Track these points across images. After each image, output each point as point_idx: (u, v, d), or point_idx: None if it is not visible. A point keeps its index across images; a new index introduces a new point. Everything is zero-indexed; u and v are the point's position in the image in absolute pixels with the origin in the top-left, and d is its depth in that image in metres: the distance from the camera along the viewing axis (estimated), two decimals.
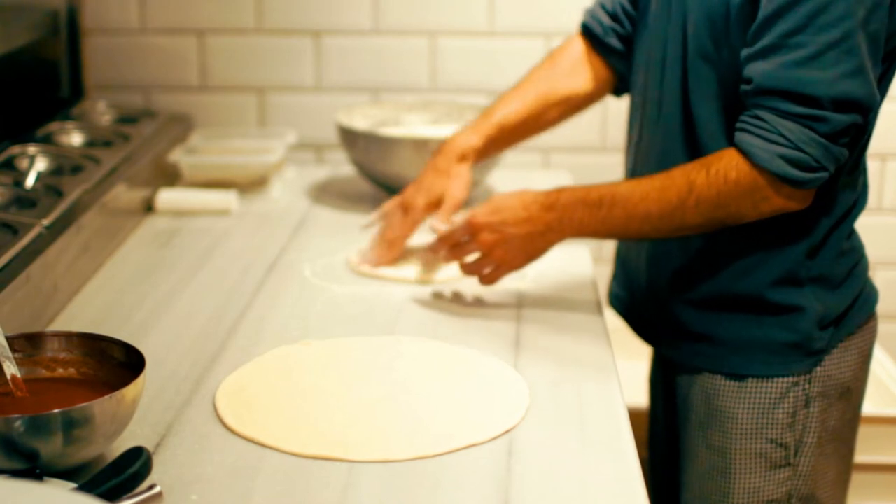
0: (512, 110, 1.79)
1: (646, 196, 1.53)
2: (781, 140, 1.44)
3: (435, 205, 1.77)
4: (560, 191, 1.60)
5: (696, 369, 1.64)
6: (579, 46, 1.80)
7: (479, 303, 1.71)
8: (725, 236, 1.57)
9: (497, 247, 1.62)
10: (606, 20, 1.77)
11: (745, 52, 1.48)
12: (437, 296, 1.73)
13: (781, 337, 1.58)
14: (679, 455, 1.72)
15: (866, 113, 1.46)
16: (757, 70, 1.46)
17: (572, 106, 1.81)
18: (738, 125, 1.49)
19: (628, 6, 1.75)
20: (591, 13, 1.80)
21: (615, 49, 1.76)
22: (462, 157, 1.78)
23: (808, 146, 1.44)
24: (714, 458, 1.63)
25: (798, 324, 1.57)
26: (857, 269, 1.63)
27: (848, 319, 1.61)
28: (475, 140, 1.79)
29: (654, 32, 1.64)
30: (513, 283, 1.77)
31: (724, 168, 1.48)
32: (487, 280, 1.67)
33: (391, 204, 1.82)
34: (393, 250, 1.79)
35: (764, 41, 1.45)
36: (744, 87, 1.48)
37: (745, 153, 1.47)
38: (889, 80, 1.54)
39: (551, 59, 1.82)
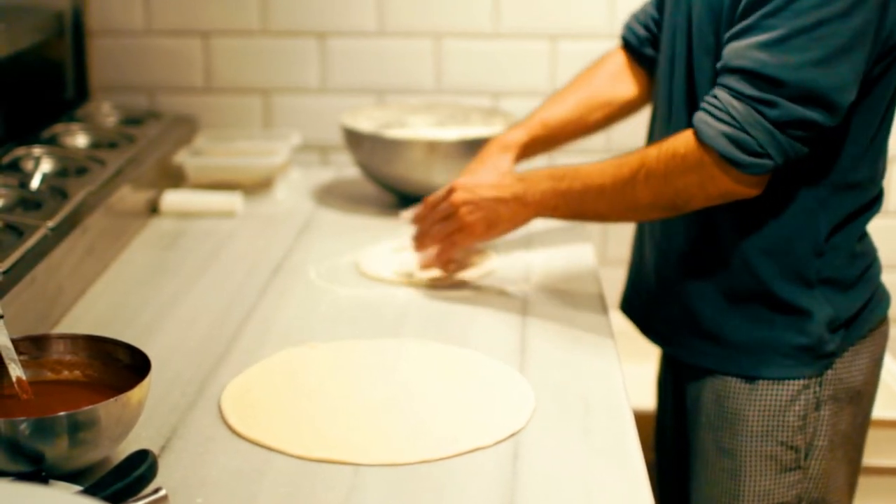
0: (555, 111, 1.85)
1: (603, 171, 1.57)
2: (728, 119, 1.45)
3: None
4: (537, 168, 1.67)
5: (707, 371, 1.64)
6: (620, 56, 1.85)
7: (484, 302, 1.71)
8: (730, 230, 1.58)
9: (465, 205, 1.68)
10: (641, 30, 1.81)
11: (727, 34, 1.49)
12: (442, 298, 1.73)
13: (793, 339, 1.58)
14: (688, 457, 1.72)
15: (831, 108, 1.43)
16: (728, 49, 1.47)
17: (615, 110, 1.85)
18: (701, 103, 1.50)
19: (656, 13, 1.79)
20: (627, 25, 1.85)
21: (650, 57, 1.80)
22: (504, 149, 1.83)
23: (753, 129, 1.44)
24: (724, 460, 1.63)
25: (809, 326, 1.57)
26: (870, 273, 1.63)
27: (859, 322, 1.61)
28: (520, 135, 1.84)
29: (666, 30, 1.65)
30: (517, 285, 1.77)
31: (675, 144, 1.50)
32: (449, 247, 1.73)
33: (437, 193, 1.79)
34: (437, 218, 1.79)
35: (743, 22, 1.46)
36: (718, 65, 1.49)
37: (695, 129, 1.48)
38: (891, 81, 1.53)
39: (593, 67, 1.87)
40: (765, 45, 1.43)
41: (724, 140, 1.45)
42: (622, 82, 1.84)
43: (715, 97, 1.47)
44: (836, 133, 1.51)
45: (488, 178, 1.69)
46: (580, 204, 1.60)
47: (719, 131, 1.45)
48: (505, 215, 1.67)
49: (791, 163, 1.48)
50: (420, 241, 1.76)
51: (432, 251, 1.77)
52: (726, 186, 1.48)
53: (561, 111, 1.84)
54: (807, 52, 1.41)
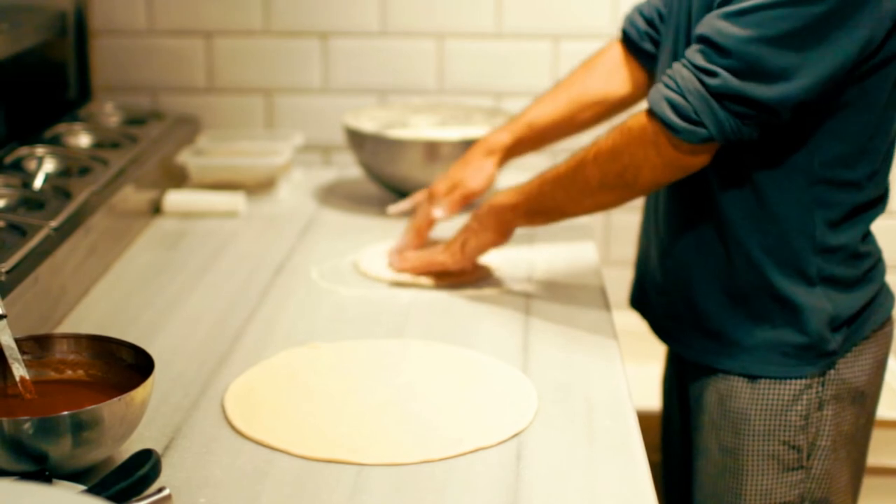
0: (543, 112, 1.85)
1: (562, 161, 1.60)
2: (673, 85, 1.47)
3: (452, 191, 1.84)
4: None
5: (710, 370, 1.64)
6: (617, 51, 1.84)
7: (486, 302, 1.71)
8: (732, 228, 1.58)
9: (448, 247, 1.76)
10: (642, 24, 1.80)
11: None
12: (445, 297, 1.73)
13: (794, 339, 1.58)
14: (692, 455, 1.72)
15: (773, 88, 1.42)
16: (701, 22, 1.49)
17: (608, 107, 1.85)
18: None
19: (664, 9, 1.78)
20: (629, 19, 1.83)
21: (650, 53, 1.79)
22: (489, 153, 1.85)
23: (691, 95, 1.45)
24: (726, 458, 1.63)
25: (809, 325, 1.57)
26: (873, 273, 1.63)
27: (862, 322, 1.61)
28: (504, 137, 1.85)
29: (669, 28, 1.66)
30: (519, 284, 1.77)
31: (627, 119, 1.52)
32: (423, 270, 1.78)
33: (421, 194, 1.87)
34: (420, 238, 1.82)
35: None
36: None
37: (647, 98, 1.50)
38: (885, 81, 1.52)
39: (588, 62, 1.86)
40: (726, 15, 1.44)
41: (665, 104, 1.47)
42: (616, 79, 1.83)
43: (671, 66, 1.50)
44: (828, 130, 1.51)
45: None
46: (539, 197, 1.62)
47: (662, 95, 1.48)
48: (474, 227, 1.71)
49: (734, 142, 1.48)
50: (398, 263, 1.81)
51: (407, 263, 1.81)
52: (670, 156, 1.49)
53: (549, 111, 1.84)
54: (760, 28, 1.42)
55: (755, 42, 1.42)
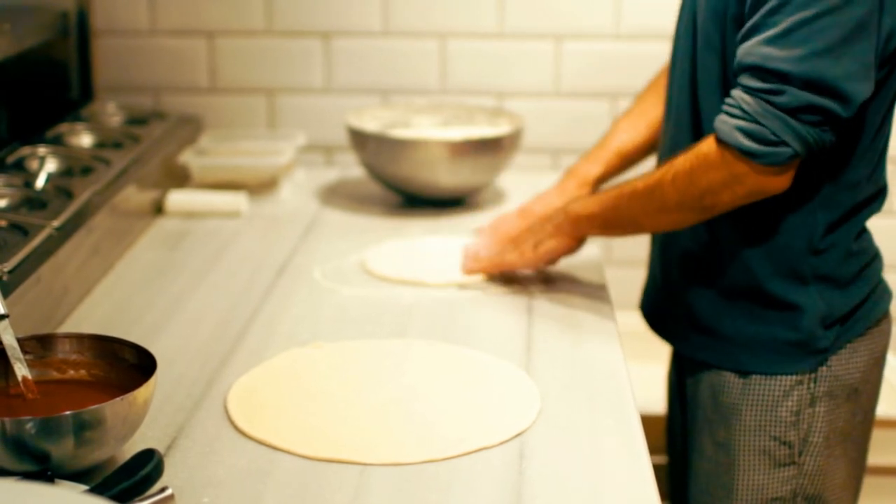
0: (628, 139, 1.88)
1: (639, 177, 1.61)
2: (740, 114, 1.47)
3: None
4: None
5: (704, 365, 1.65)
6: None
7: (489, 302, 1.71)
8: (727, 227, 1.59)
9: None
10: None
11: (738, 36, 1.50)
12: (447, 297, 1.73)
13: (785, 335, 1.59)
14: (689, 451, 1.72)
15: (841, 98, 1.44)
16: (739, 49, 1.49)
17: None
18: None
19: None
20: None
21: None
22: (583, 184, 1.88)
23: (764, 118, 1.45)
24: (719, 454, 1.64)
25: (801, 322, 1.58)
26: (868, 271, 1.63)
27: (856, 320, 1.61)
28: (595, 169, 1.88)
29: (676, 30, 1.66)
30: (522, 284, 1.77)
31: (700, 144, 1.52)
32: (493, 268, 1.79)
33: (509, 212, 1.90)
34: (500, 243, 1.81)
35: (750, 22, 1.48)
36: (734, 66, 1.51)
37: (715, 130, 1.50)
38: (892, 85, 1.53)
39: (656, 86, 1.87)
40: (770, 41, 1.44)
41: (739, 133, 1.46)
42: None
43: (730, 96, 1.49)
44: (841, 132, 1.52)
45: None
46: (615, 211, 1.63)
47: (733, 126, 1.47)
48: (549, 230, 1.72)
49: (816, 153, 1.48)
50: (471, 263, 1.80)
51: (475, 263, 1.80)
52: (752, 182, 1.49)
53: (633, 138, 1.87)
54: (809, 44, 1.42)
55: (808, 58, 1.42)
